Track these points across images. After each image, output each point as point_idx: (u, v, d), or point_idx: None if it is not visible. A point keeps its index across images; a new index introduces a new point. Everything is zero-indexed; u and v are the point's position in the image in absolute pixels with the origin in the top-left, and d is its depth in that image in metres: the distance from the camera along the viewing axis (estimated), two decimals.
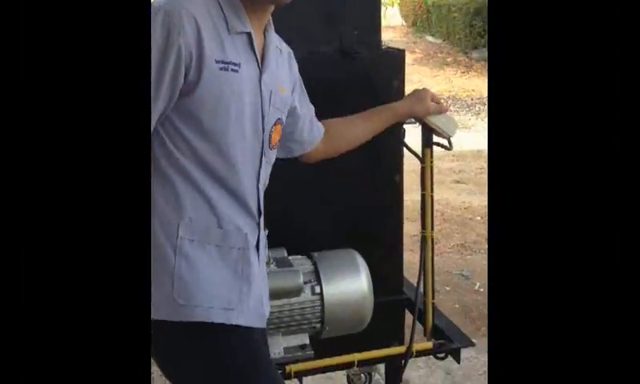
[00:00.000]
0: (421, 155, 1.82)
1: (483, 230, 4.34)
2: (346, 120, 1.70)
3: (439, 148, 1.83)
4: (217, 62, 1.24)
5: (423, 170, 1.82)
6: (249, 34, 1.31)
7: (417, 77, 9.93)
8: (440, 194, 4.95)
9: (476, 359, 2.82)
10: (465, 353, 2.96)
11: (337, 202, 1.91)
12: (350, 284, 1.73)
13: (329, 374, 1.94)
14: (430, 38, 13.38)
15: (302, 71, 1.65)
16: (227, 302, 1.28)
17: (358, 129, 1.71)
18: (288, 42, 1.54)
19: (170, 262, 1.25)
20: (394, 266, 2.03)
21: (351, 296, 1.72)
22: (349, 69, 1.87)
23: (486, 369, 2.77)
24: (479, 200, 4.84)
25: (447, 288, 3.56)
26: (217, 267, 1.29)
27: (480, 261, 3.89)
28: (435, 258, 3.67)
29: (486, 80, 9.46)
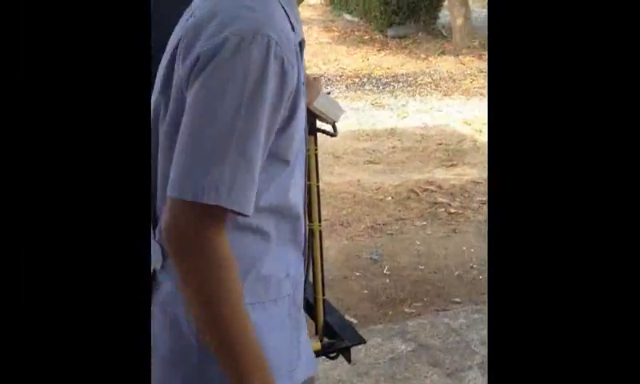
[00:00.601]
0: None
1: (394, 210, 4.30)
2: None
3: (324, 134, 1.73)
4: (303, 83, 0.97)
5: (308, 158, 1.71)
6: (301, 42, 1.02)
7: (334, 55, 9.84)
8: (353, 176, 4.89)
9: (381, 346, 2.76)
10: (371, 340, 2.92)
11: None
12: None
13: None
14: (347, 16, 13.31)
15: None
16: (289, 363, 1.08)
17: None
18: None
19: None
20: None
21: None
22: None
23: (392, 355, 2.71)
24: (391, 179, 4.80)
25: (357, 273, 3.50)
26: (277, 327, 1.06)
27: (389, 243, 3.85)
28: (345, 243, 3.62)
29: (400, 58, 9.52)
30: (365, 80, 8.36)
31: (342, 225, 4.08)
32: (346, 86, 8.07)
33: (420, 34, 10.59)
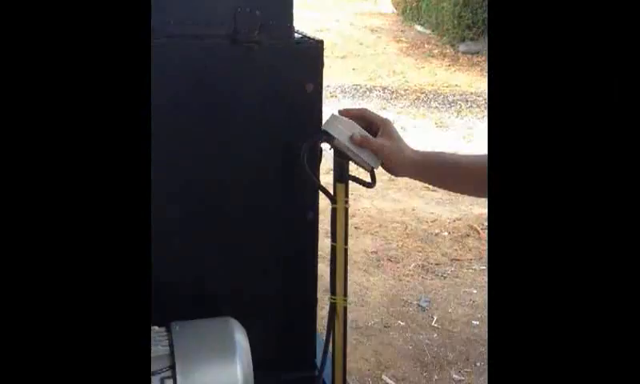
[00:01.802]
0: (332, 192, 1.30)
1: (449, 248, 3.83)
2: None
3: (358, 185, 1.31)
4: None
5: (334, 212, 1.29)
6: None
7: (400, 67, 9.39)
8: (407, 203, 4.43)
9: None
10: None
11: (227, 251, 1.40)
12: (218, 373, 1.21)
13: None
14: (418, 28, 12.85)
15: (187, 60, 1.29)
16: None
17: None
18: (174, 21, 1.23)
19: None
20: (303, 333, 1.51)
21: None
22: (245, 63, 1.34)
23: None
24: (449, 211, 4.32)
25: (401, 322, 3.05)
26: None
27: (441, 287, 3.38)
28: (391, 283, 3.17)
29: (470, 76, 8.99)
30: (430, 97, 7.87)
31: (390, 260, 3.64)
32: (410, 102, 7.60)
33: None
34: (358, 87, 8.07)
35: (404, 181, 4.77)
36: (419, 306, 3.20)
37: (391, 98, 7.68)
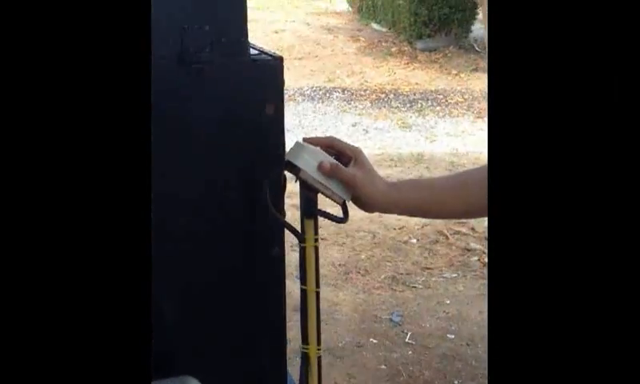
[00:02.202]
0: (300, 229, 1.14)
1: (419, 256, 3.71)
2: None
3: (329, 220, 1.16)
4: None
5: (303, 251, 1.14)
6: None
7: (359, 67, 9.28)
8: None
9: None
10: None
11: (181, 295, 1.24)
12: None
13: None
14: (375, 26, 12.77)
15: None
16: None
17: None
18: None
19: None
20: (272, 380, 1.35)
21: None
22: (195, 85, 1.18)
23: None
24: (417, 218, 4.21)
25: (373, 340, 2.91)
26: None
27: (413, 299, 3.26)
28: (361, 298, 3.02)
29: (429, 73, 8.93)
30: (391, 96, 7.77)
31: (359, 272, 3.50)
32: (371, 103, 7.49)
33: (451, 48, 9.95)
34: (318, 89, 7.94)
35: None
36: (391, 320, 3.07)
37: (351, 100, 7.56)
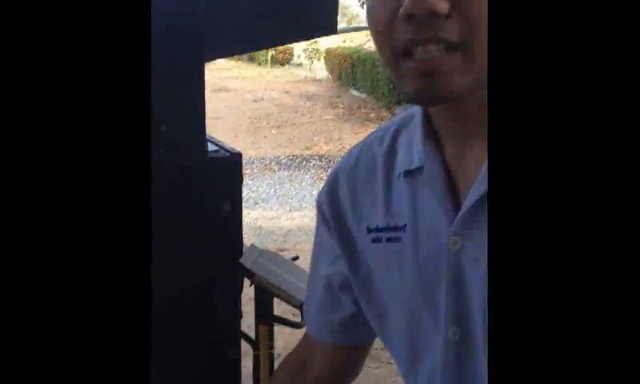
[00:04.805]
0: (254, 336, 1.10)
1: None
2: None
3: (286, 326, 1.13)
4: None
5: (257, 358, 1.10)
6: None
7: (337, 134, 9.35)
8: None
9: None
10: None
11: None
12: None
13: None
14: (354, 92, 12.97)
15: None
16: None
17: None
18: None
19: None
20: None
21: None
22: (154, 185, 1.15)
23: None
24: None
25: None
26: None
27: (387, 376, 3.19)
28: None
29: None
30: None
31: None
32: None
33: None
34: (294, 157, 7.97)
35: None
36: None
37: (328, 167, 7.59)
